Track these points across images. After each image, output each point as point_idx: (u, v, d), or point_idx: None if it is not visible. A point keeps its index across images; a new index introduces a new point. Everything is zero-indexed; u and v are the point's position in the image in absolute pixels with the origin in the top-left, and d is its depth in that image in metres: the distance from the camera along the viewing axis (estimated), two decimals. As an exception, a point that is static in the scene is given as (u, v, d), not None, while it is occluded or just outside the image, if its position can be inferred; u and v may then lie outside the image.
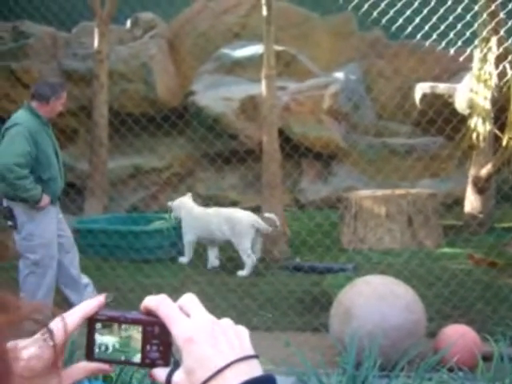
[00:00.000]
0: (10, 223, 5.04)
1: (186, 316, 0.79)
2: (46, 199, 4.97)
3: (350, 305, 4.57)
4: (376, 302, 4.50)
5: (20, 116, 5.02)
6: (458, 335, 4.43)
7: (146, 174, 9.42)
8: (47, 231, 5.06)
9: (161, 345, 0.81)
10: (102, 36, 8.13)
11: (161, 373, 0.80)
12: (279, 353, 4.58)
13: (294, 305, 5.64)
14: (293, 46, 9.62)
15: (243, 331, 0.82)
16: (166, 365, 0.81)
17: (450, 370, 4.09)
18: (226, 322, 0.81)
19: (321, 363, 4.26)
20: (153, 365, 0.81)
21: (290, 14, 10.07)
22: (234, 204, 8.44)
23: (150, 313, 0.81)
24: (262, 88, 7.13)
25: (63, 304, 4.94)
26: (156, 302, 0.81)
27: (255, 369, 0.78)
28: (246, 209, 8.23)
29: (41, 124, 5.02)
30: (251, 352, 0.79)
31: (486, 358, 4.23)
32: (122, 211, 8.85)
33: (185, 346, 0.77)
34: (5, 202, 5.03)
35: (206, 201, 8.50)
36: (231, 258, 6.98)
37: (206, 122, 8.74)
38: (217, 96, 9.15)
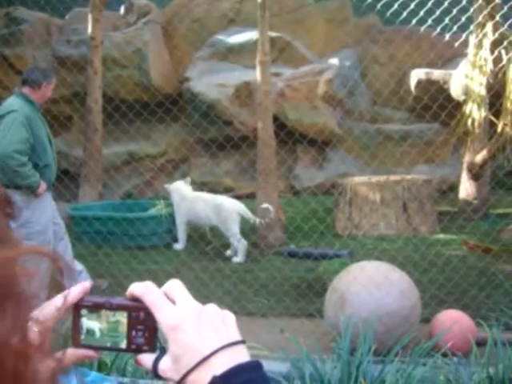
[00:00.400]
0: (6, 211, 5.01)
1: (171, 303, 0.79)
2: (43, 186, 4.97)
3: (345, 291, 4.58)
4: (371, 287, 4.51)
5: (14, 103, 4.99)
6: (453, 321, 4.44)
7: (140, 160, 9.40)
8: (43, 217, 5.06)
9: (146, 330, 0.81)
10: (95, 22, 8.07)
11: (147, 359, 0.80)
12: (274, 339, 4.59)
13: (288, 291, 5.65)
14: (287, 32, 9.58)
15: (229, 317, 0.82)
16: (151, 350, 0.81)
17: (445, 355, 4.11)
18: (212, 308, 0.81)
19: (316, 349, 4.27)
20: (138, 350, 0.81)
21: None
22: (228, 190, 8.44)
23: (135, 299, 0.81)
24: (257, 74, 7.10)
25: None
26: (141, 289, 0.80)
27: (242, 355, 0.78)
28: (240, 195, 8.24)
29: (34, 110, 5.00)
30: (238, 338, 0.79)
31: (480, 344, 4.24)
32: (116, 198, 8.84)
33: (171, 334, 0.77)
34: (0, 190, 5.00)
35: (200, 187, 8.48)
36: (226, 245, 6.98)
37: (201, 109, 8.71)
38: (211, 82, 9.11)
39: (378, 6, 5.09)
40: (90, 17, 8.09)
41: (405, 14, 5.00)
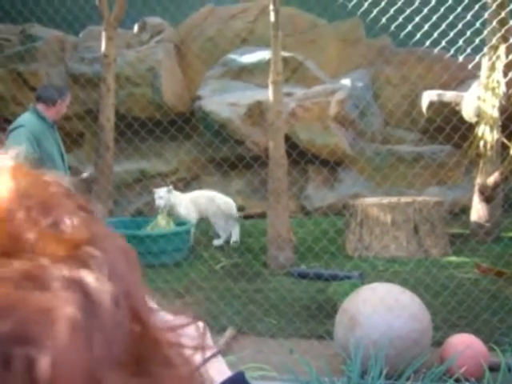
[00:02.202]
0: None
1: None
2: None
3: (355, 313, 4.54)
4: (381, 310, 4.46)
5: (24, 118, 5.03)
6: (465, 345, 4.39)
7: (151, 178, 9.40)
8: None
9: None
10: (109, 40, 8.12)
11: None
12: (283, 360, 4.54)
13: (299, 312, 5.60)
14: (300, 52, 9.60)
15: (203, 327, 0.78)
16: None
17: (457, 380, 4.05)
18: None
19: (326, 371, 4.22)
20: None
21: (298, 19, 10.07)
22: (239, 209, 8.41)
23: None
24: (269, 94, 7.10)
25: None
26: None
27: (222, 367, 0.75)
28: (251, 215, 8.24)
29: (46, 126, 5.03)
30: (214, 349, 0.76)
31: (493, 369, 4.19)
32: (127, 215, 8.83)
33: None
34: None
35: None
36: (236, 264, 6.95)
37: (213, 127, 8.72)
38: (223, 101, 9.13)
39: (392, 27, 5.11)
40: (103, 35, 8.15)
41: (418, 35, 5.00)
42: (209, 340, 0.77)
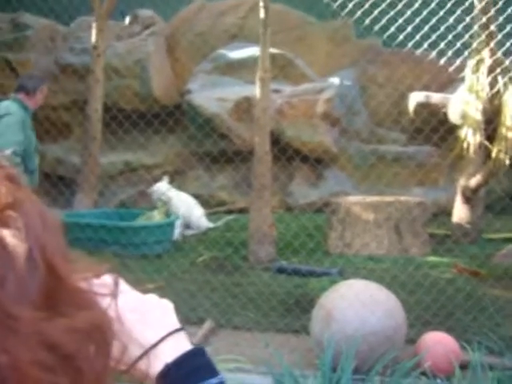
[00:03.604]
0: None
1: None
2: None
3: (331, 308, 4.60)
4: (357, 305, 4.53)
5: (10, 106, 5.08)
6: (437, 342, 4.47)
7: (135, 170, 9.42)
8: None
9: None
10: (99, 31, 8.14)
11: None
12: (259, 353, 4.61)
13: (275, 306, 5.66)
14: (289, 50, 9.65)
15: (168, 305, 0.85)
16: None
17: (426, 375, 4.13)
18: (152, 297, 0.85)
19: (298, 364, 4.30)
20: None
21: (288, 17, 10.11)
22: (222, 204, 8.46)
23: None
24: (256, 90, 7.15)
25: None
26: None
27: (185, 341, 0.82)
28: (233, 210, 8.28)
29: (27, 115, 5.09)
30: (178, 325, 0.83)
31: (464, 367, 4.27)
32: (111, 207, 8.86)
33: (114, 324, 0.78)
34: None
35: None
36: (216, 258, 7.00)
37: (200, 122, 8.76)
38: (211, 96, 9.17)
39: (376, 28, 5.17)
40: (94, 26, 8.17)
41: (402, 36, 5.08)
42: (174, 317, 0.84)
